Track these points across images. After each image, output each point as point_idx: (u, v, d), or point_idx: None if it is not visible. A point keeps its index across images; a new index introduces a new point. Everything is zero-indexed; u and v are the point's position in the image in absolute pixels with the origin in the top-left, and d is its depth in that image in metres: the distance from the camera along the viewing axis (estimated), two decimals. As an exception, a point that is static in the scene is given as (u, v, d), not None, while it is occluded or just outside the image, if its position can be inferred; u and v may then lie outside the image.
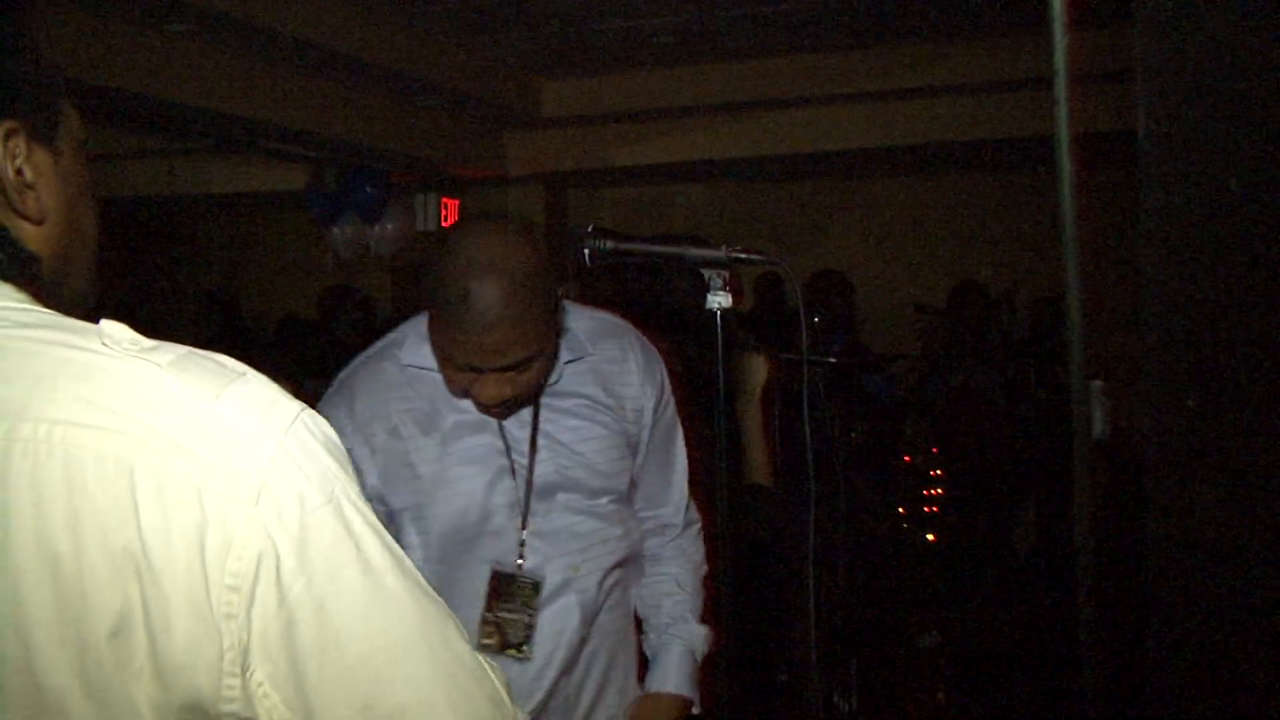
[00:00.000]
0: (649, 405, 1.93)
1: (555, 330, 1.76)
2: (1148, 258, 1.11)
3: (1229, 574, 1.11)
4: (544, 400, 1.84)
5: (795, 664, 3.50)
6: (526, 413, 1.84)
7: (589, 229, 1.77)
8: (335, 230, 7.46)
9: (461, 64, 6.27)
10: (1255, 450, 1.08)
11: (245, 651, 0.75)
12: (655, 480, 1.99)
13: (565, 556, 1.83)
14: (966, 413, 5.59)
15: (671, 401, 1.98)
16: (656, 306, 2.42)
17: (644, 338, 1.99)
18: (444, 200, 8.02)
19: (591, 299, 2.45)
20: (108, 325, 0.80)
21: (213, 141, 6.67)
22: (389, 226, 7.46)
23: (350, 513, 0.80)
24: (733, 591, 1.89)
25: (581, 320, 1.93)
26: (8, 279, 0.84)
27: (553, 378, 1.85)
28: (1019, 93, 6.36)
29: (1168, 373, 1.11)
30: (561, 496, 1.84)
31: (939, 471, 5.34)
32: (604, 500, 1.88)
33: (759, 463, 2.52)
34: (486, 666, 0.87)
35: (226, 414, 0.77)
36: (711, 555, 2.08)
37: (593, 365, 1.89)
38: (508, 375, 1.67)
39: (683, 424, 2.03)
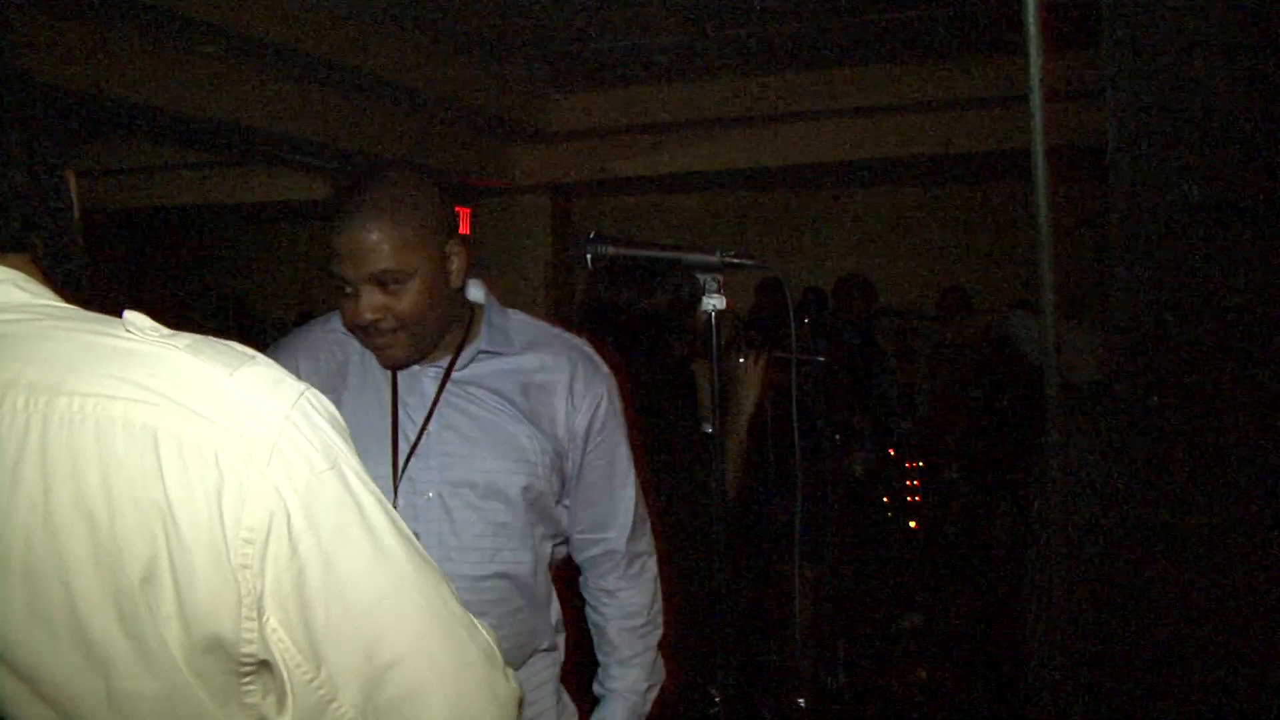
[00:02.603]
0: (581, 422, 1.74)
1: (441, 268, 1.64)
2: (1116, 262, 1.11)
3: (1194, 563, 1.11)
4: (449, 386, 1.69)
5: (784, 645, 3.51)
6: (430, 392, 1.68)
7: (591, 235, 1.77)
8: (355, 237, 7.45)
9: (474, 81, 6.28)
10: (1217, 445, 1.08)
11: (260, 598, 0.78)
12: (598, 503, 1.79)
13: (438, 547, 1.63)
14: (950, 409, 5.60)
15: (616, 425, 1.79)
16: (650, 309, 2.39)
17: (595, 356, 1.81)
18: (456, 209, 8.01)
19: (590, 301, 2.45)
20: (131, 315, 0.83)
21: (241, 154, 6.68)
22: (405, 234, 7.46)
23: (352, 478, 0.84)
24: (726, 578, 1.89)
25: (520, 324, 1.79)
26: (68, 282, 0.89)
27: (464, 361, 1.70)
28: (996, 109, 6.37)
29: (1134, 369, 1.11)
30: (441, 480, 1.65)
31: (921, 464, 5.35)
32: (490, 501, 1.66)
33: (728, 477, 2.43)
34: (478, 624, 0.90)
35: (239, 388, 0.80)
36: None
37: (517, 366, 1.72)
38: (379, 292, 1.57)
39: (636, 453, 1.83)
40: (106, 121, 5.36)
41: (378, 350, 1.65)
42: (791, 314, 2.02)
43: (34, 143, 0.87)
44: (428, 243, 1.63)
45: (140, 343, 0.81)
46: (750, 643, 3.37)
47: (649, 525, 1.88)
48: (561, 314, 8.47)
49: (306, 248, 9.74)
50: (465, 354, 1.71)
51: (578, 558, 1.85)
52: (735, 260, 1.78)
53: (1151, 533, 1.13)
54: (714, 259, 1.78)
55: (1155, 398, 1.11)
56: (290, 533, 0.79)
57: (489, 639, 0.90)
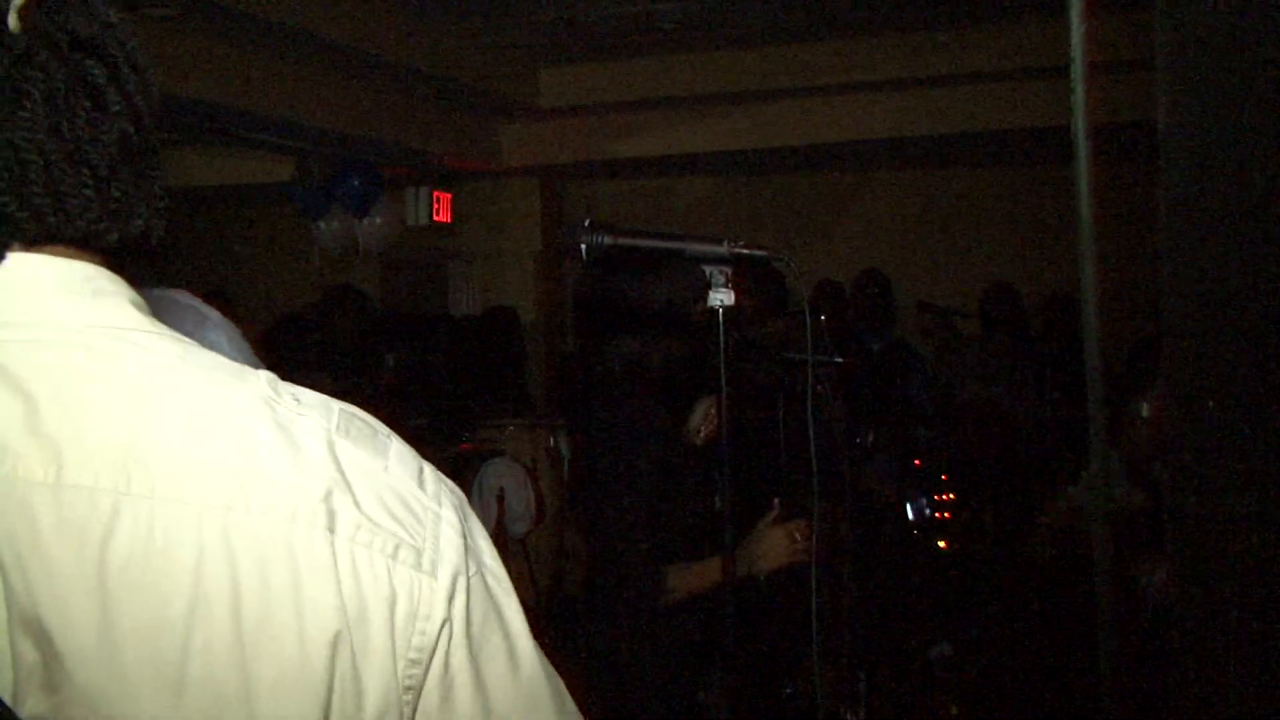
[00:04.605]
0: None
1: None
2: (1168, 254, 1.11)
3: (1251, 580, 1.11)
4: None
5: (800, 676, 3.50)
6: None
7: (586, 223, 1.78)
8: (321, 225, 7.46)
9: (454, 51, 6.27)
10: (1278, 454, 1.08)
11: (414, 716, 0.78)
12: None
13: None
14: (981, 418, 5.61)
15: None
16: (651, 305, 2.40)
17: (218, 314, 1.75)
18: (436, 194, 8.03)
19: (588, 296, 2.45)
20: (266, 373, 0.81)
21: (194, 132, 6.68)
22: (378, 221, 7.46)
23: (490, 579, 0.83)
24: (737, 602, 1.89)
25: None
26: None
27: None
28: (1035, 82, 6.36)
29: (1188, 374, 1.11)
30: None
31: (948, 476, 5.35)
32: None
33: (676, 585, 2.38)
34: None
35: (395, 483, 0.79)
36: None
37: None
38: None
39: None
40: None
41: None
42: (807, 311, 2.01)
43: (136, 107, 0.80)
44: None
45: (292, 418, 0.78)
46: (764, 676, 3.37)
47: None
48: (553, 309, 8.47)
49: (274, 235, 9.74)
50: None
51: None
52: (745, 251, 1.78)
53: (1209, 545, 1.13)
54: (721, 250, 1.78)
55: (1211, 403, 1.10)
56: (451, 648, 0.78)
57: None
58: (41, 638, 0.70)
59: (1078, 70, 1.18)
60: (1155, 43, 1.11)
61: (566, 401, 4.08)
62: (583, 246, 1.77)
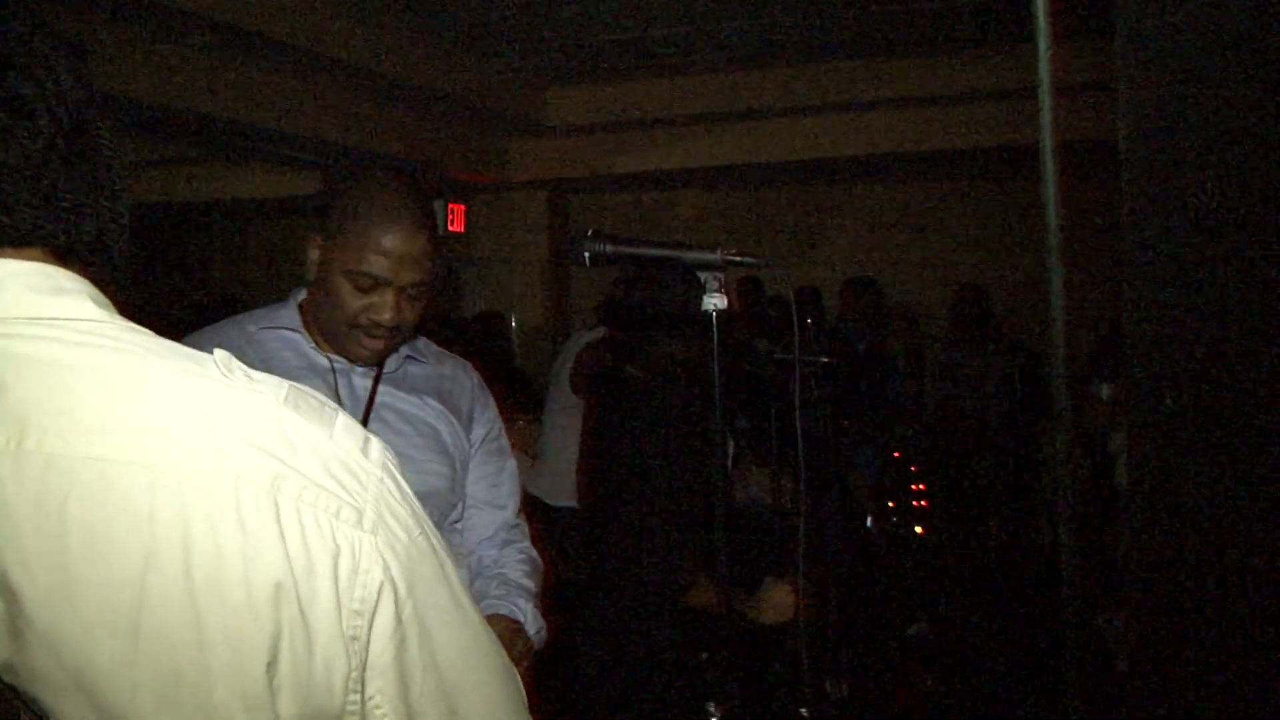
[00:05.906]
0: (480, 420, 1.98)
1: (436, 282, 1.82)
2: (1129, 260, 1.11)
3: (1206, 569, 1.11)
4: (382, 386, 1.83)
5: (787, 652, 3.51)
6: (362, 392, 1.82)
7: (589, 233, 1.78)
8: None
9: (468, 73, 6.28)
10: (1232, 448, 1.08)
11: (363, 669, 0.79)
12: (489, 487, 2.00)
13: None
14: (954, 411, 5.61)
15: (503, 433, 2.05)
16: (657, 310, 2.41)
17: (482, 380, 2.06)
18: (451, 205, 8.03)
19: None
20: (220, 354, 0.81)
21: (227, 149, 6.69)
22: (399, 231, 7.46)
23: (434, 540, 0.85)
24: (730, 581, 1.89)
25: (422, 340, 1.99)
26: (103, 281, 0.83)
27: (393, 364, 1.86)
28: (1007, 103, 6.38)
29: (1147, 372, 1.11)
30: None
31: (917, 468, 5.37)
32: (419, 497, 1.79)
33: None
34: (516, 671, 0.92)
35: (338, 449, 0.80)
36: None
37: (429, 374, 1.92)
38: (405, 299, 1.72)
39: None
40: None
41: (363, 347, 1.77)
42: (795, 315, 2.02)
43: (70, 99, 0.80)
44: (439, 259, 1.78)
45: (243, 393, 0.79)
46: (751, 652, 3.37)
47: (525, 521, 2.09)
48: (559, 312, 8.47)
49: (292, 246, 9.74)
50: (394, 358, 1.88)
51: (465, 536, 2.02)
52: (737, 258, 1.79)
53: (1167, 536, 1.13)
54: (715, 257, 1.78)
55: (1169, 401, 1.10)
56: (396, 602, 0.79)
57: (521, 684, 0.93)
58: (6, 590, 0.71)
59: (1045, 92, 1.19)
60: (1116, 66, 1.11)
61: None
62: (586, 254, 1.77)
